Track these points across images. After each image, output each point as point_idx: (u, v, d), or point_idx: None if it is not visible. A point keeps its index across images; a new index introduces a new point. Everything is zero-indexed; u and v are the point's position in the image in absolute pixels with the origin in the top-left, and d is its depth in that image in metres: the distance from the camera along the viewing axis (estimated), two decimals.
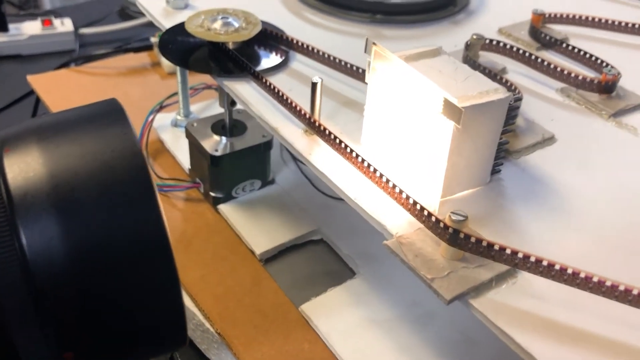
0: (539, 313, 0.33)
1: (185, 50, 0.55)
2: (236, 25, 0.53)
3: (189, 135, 0.59)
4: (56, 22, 0.90)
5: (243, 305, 0.51)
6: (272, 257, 0.56)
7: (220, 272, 0.54)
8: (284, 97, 0.46)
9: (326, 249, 0.57)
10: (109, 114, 0.30)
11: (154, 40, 0.82)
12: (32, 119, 0.31)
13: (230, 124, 0.59)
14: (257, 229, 0.57)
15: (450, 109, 0.35)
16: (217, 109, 0.65)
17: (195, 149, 0.59)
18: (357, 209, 0.40)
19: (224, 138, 0.58)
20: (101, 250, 0.28)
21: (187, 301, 0.51)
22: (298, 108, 0.45)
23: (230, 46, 0.53)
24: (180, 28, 0.56)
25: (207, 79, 0.73)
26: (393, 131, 0.41)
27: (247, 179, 0.60)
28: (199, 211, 0.60)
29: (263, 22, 0.55)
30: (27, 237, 0.27)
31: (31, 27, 0.88)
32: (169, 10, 0.61)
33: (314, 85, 0.43)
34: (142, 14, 0.91)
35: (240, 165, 0.58)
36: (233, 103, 0.58)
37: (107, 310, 0.29)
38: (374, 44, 0.40)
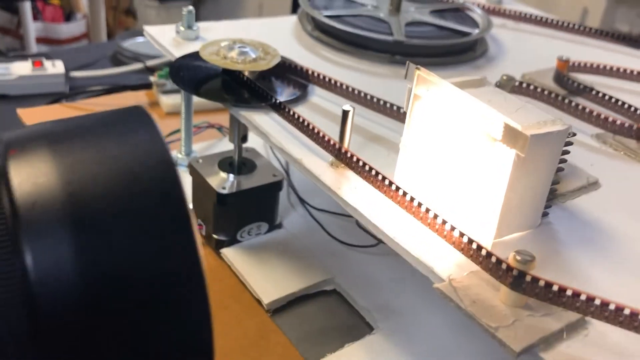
0: None
1: (198, 79, 0.51)
2: (253, 55, 0.50)
3: (193, 172, 0.55)
4: (47, 63, 0.86)
5: None
6: (281, 307, 0.50)
7: (224, 323, 0.48)
8: (310, 127, 0.42)
9: (340, 300, 0.52)
10: (133, 119, 0.26)
11: (154, 79, 0.79)
12: (42, 122, 0.26)
13: (239, 162, 0.55)
14: (265, 277, 0.52)
15: (513, 136, 0.31)
16: (218, 150, 0.60)
17: (199, 187, 0.55)
18: (397, 249, 0.35)
19: (231, 176, 0.54)
20: (121, 278, 0.23)
21: None
22: (326, 138, 0.41)
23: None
24: (192, 57, 0.53)
25: (210, 117, 0.69)
26: (435, 165, 0.37)
27: (254, 221, 0.55)
28: None
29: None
30: (31, 256, 0.22)
31: (21, 68, 0.84)
32: (179, 41, 0.57)
33: (345, 113, 0.40)
34: (134, 60, 0.88)
35: (248, 205, 0.54)
36: (244, 139, 0.54)
37: (118, 355, 0.24)
38: (417, 68, 0.36)
